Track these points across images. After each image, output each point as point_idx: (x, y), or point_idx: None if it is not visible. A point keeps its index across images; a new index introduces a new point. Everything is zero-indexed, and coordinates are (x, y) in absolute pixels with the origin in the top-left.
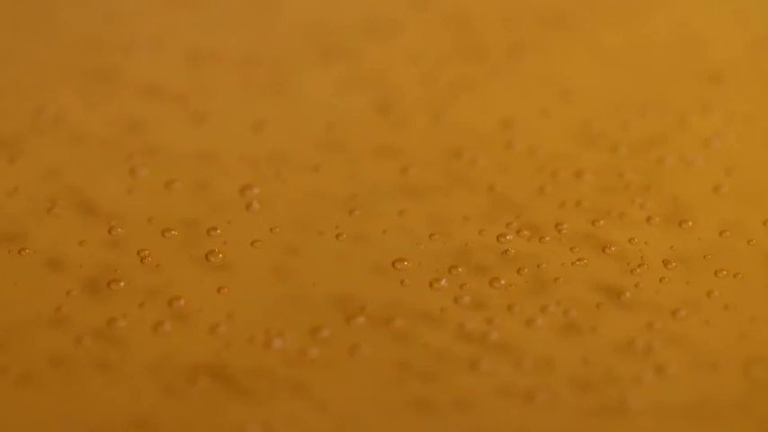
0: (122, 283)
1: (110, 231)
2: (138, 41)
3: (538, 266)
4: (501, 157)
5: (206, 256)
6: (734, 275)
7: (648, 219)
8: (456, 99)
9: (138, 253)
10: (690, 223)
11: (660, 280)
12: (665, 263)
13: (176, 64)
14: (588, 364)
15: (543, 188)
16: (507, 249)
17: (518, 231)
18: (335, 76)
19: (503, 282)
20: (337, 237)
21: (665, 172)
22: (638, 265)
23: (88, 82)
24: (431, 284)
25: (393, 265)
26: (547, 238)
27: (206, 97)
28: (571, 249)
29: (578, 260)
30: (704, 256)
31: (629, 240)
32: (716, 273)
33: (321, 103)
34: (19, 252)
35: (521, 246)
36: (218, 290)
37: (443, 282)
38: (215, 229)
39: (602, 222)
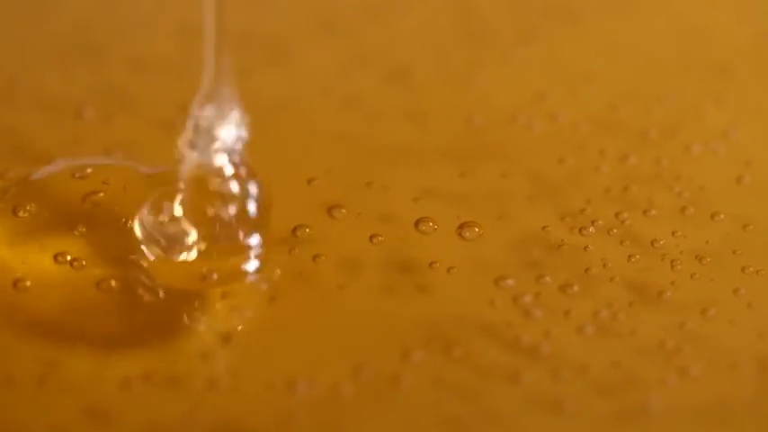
0: None
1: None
2: (129, 20)
3: (603, 266)
4: (522, 141)
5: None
6: (757, 272)
7: (683, 209)
8: (464, 83)
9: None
10: (722, 216)
11: (691, 276)
12: (700, 258)
13: (167, 39)
14: (620, 369)
15: (585, 173)
16: (587, 246)
17: (593, 222)
18: (340, 52)
19: (576, 288)
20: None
21: (689, 161)
22: (674, 260)
23: (73, 57)
24: (515, 300)
25: (496, 283)
26: (614, 230)
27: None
28: (621, 243)
29: (630, 256)
30: (734, 252)
31: (673, 233)
32: (743, 269)
33: (328, 76)
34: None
35: (594, 242)
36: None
37: (527, 298)
38: None
39: (653, 212)
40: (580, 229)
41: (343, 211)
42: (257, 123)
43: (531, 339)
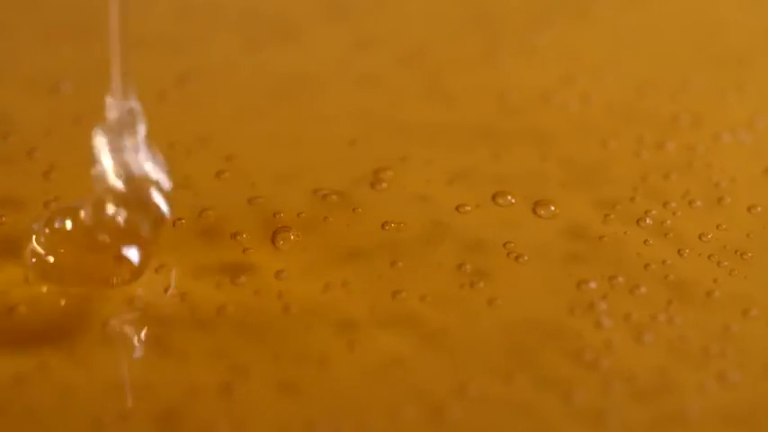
0: None
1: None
2: None
3: (663, 263)
4: (551, 126)
5: None
6: None
7: (720, 200)
8: (486, 66)
9: None
10: (759, 208)
11: (736, 273)
12: (742, 254)
13: (161, 18)
14: (664, 375)
15: (623, 160)
16: (646, 239)
17: (647, 212)
18: (349, 32)
19: (643, 289)
20: None
21: (719, 151)
22: (720, 256)
23: (66, 35)
24: (591, 308)
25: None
26: (668, 222)
27: (198, 48)
28: (665, 235)
29: (679, 250)
30: None
31: (717, 227)
32: None
33: (340, 54)
34: None
35: (651, 235)
36: None
37: (604, 306)
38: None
39: (698, 203)
40: (637, 221)
41: (384, 184)
42: (269, 97)
43: (593, 351)
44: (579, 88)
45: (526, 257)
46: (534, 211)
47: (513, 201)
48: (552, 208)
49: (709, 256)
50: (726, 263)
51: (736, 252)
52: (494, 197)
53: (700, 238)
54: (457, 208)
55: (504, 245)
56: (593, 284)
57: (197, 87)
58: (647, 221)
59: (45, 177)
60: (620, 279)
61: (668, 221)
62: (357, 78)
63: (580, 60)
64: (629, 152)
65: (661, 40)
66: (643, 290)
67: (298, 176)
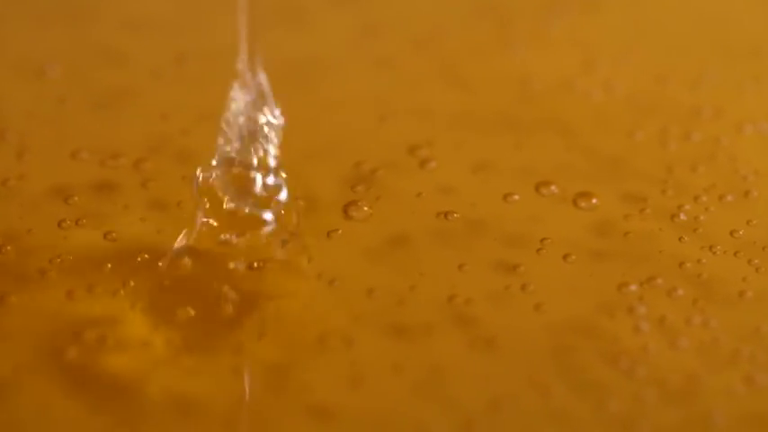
0: None
1: None
2: None
3: (698, 261)
4: (568, 116)
5: None
6: None
7: (747, 193)
8: (501, 53)
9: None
10: None
11: (757, 270)
12: None
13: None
14: (696, 378)
15: (648, 151)
16: (681, 236)
17: (680, 207)
18: (359, 18)
19: (680, 292)
20: None
21: (741, 143)
22: (751, 253)
23: (52, 20)
24: (631, 311)
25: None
26: (701, 217)
27: (195, 30)
28: (695, 230)
29: (711, 247)
30: None
31: (748, 222)
32: None
33: (352, 38)
34: None
35: (686, 235)
36: None
37: (643, 309)
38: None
39: (729, 198)
40: (672, 217)
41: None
42: (280, 79)
43: (629, 355)
44: (598, 77)
45: (574, 257)
46: (575, 203)
47: (556, 191)
48: (594, 201)
49: (737, 254)
50: (756, 260)
51: (764, 249)
52: (537, 187)
53: (731, 234)
54: (504, 197)
55: (542, 240)
56: (633, 287)
57: (197, 68)
58: (682, 217)
59: (18, 158)
60: (659, 280)
61: (701, 217)
62: (370, 63)
63: (594, 49)
64: (656, 143)
65: (673, 31)
66: (680, 292)
67: (321, 160)
